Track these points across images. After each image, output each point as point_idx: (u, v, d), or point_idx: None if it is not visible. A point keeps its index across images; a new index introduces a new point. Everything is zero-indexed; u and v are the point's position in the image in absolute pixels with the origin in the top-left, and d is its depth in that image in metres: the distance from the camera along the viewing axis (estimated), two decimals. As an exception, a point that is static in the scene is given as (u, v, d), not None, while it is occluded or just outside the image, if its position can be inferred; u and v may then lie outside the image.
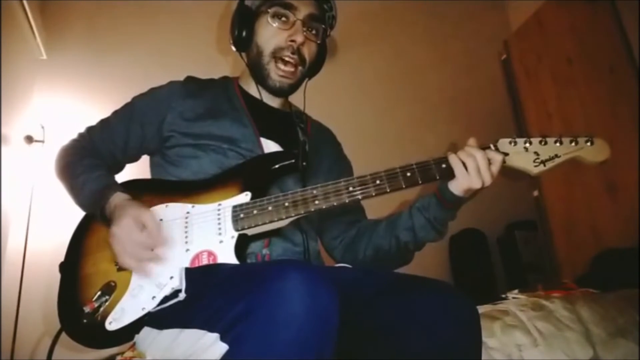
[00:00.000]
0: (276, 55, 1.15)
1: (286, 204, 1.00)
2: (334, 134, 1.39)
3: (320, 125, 1.37)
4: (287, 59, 1.15)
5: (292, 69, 1.16)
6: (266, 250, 1.05)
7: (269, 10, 1.15)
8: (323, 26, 1.21)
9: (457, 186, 1.01)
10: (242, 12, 1.19)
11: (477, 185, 0.99)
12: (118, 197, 1.01)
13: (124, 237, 0.93)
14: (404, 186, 1.00)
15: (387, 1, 3.25)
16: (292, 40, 1.14)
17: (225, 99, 1.20)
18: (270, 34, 1.16)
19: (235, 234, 0.99)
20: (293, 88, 1.21)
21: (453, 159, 1.00)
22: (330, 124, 1.40)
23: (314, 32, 1.19)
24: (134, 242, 0.93)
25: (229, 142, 1.11)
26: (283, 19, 1.15)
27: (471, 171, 0.99)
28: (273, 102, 1.24)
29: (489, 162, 0.99)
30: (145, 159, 1.24)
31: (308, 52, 1.18)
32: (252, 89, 1.23)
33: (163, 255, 0.96)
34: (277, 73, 1.15)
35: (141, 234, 0.94)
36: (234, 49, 1.23)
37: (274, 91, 1.19)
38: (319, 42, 1.21)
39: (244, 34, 1.18)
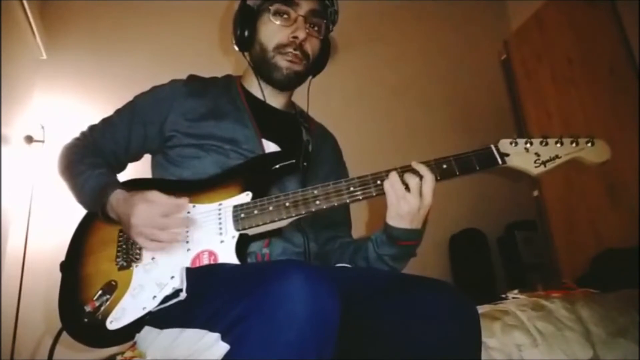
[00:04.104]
0: (280, 52, 1.15)
1: (287, 204, 1.00)
2: (336, 138, 1.39)
3: (324, 130, 1.37)
4: (289, 54, 1.15)
5: (298, 58, 1.16)
6: (266, 250, 1.05)
7: (270, 7, 1.15)
8: (325, 21, 1.20)
9: (389, 216, 1.01)
10: (245, 11, 1.19)
11: (403, 209, 0.97)
12: (118, 194, 1.01)
13: (145, 220, 0.94)
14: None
15: (387, 2, 3.25)
16: (295, 37, 1.14)
17: (227, 99, 1.20)
18: (272, 31, 1.16)
19: (236, 234, 0.99)
20: (300, 78, 1.20)
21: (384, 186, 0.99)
22: (330, 125, 1.40)
23: (315, 28, 1.19)
24: (156, 216, 0.95)
25: (230, 143, 1.11)
26: (285, 15, 1.15)
27: (391, 197, 0.98)
28: (276, 102, 1.24)
29: (420, 180, 0.97)
30: (146, 159, 1.24)
31: (311, 47, 1.18)
32: (255, 88, 1.23)
33: (192, 215, 0.98)
34: (285, 59, 1.15)
35: (159, 206, 0.95)
36: (236, 48, 1.23)
37: (281, 83, 1.18)
38: (321, 37, 1.21)
39: (246, 33, 1.18)
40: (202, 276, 0.91)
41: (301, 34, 1.14)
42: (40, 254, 2.02)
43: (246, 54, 1.24)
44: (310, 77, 1.25)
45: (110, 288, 0.96)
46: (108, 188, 1.03)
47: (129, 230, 0.97)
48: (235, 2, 1.24)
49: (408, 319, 0.86)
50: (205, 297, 0.84)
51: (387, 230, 1.02)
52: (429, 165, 1.00)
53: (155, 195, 0.97)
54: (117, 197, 1.01)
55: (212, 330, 0.76)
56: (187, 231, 1.00)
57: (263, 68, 1.18)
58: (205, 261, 0.96)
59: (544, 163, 1.00)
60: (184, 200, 0.98)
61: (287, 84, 1.19)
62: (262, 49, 1.17)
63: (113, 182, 1.08)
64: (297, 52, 1.15)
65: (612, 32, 2.52)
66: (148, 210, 0.95)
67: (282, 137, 1.17)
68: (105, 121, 1.21)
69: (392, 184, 0.98)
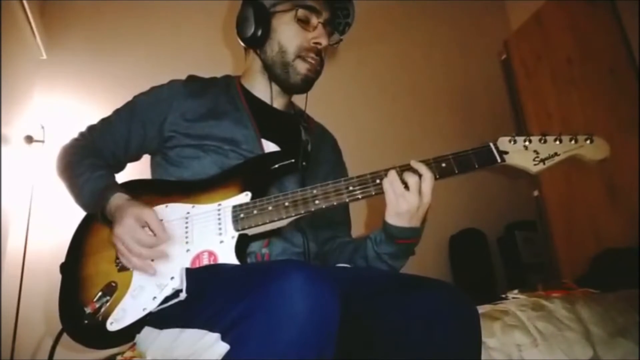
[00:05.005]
0: (301, 56, 1.16)
1: (286, 204, 1.00)
2: (336, 139, 1.39)
3: (323, 129, 1.38)
4: (310, 59, 1.16)
5: (316, 65, 1.17)
6: (266, 250, 1.05)
7: (296, 10, 1.15)
8: (333, 32, 1.22)
9: (387, 214, 1.01)
10: (257, 9, 1.18)
11: (402, 207, 0.97)
12: (118, 198, 1.01)
13: (126, 237, 0.94)
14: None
15: (387, 2, 3.25)
16: (317, 42, 1.15)
17: (227, 99, 1.20)
18: (293, 34, 1.16)
19: (236, 234, 0.99)
20: (312, 84, 1.21)
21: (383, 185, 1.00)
22: (330, 125, 1.40)
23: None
24: (137, 241, 0.94)
25: (230, 143, 1.11)
26: (305, 20, 1.16)
27: (390, 196, 0.98)
28: (277, 103, 1.24)
29: (419, 178, 0.98)
30: (146, 159, 1.24)
31: (324, 53, 1.20)
32: (255, 88, 1.23)
33: (168, 252, 0.97)
34: (304, 67, 1.16)
35: (144, 232, 0.95)
36: (243, 45, 1.23)
37: (297, 87, 1.18)
38: (334, 45, 1.22)
39: (260, 31, 1.17)
40: (202, 276, 0.91)
41: (324, 41, 1.16)
42: (40, 254, 2.02)
43: (258, 51, 1.22)
44: None
45: (110, 289, 0.96)
46: (107, 191, 1.03)
47: (112, 237, 0.97)
48: (236, 2, 1.23)
49: (408, 319, 0.86)
50: (205, 297, 0.84)
51: (386, 228, 1.03)
52: (428, 163, 1.00)
53: (149, 217, 0.96)
54: (116, 202, 1.00)
55: (212, 330, 0.76)
56: (187, 232, 1.00)
57: (277, 69, 1.18)
58: (205, 261, 0.96)
59: (542, 161, 1.00)
60: (166, 238, 0.97)
61: (301, 88, 1.20)
62: (281, 50, 1.16)
63: (112, 185, 1.08)
64: (318, 58, 1.16)
65: (612, 32, 2.52)
66: (133, 229, 0.94)
67: (282, 137, 1.17)
68: (104, 121, 1.21)
69: (391, 183, 0.98)
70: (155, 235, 0.96)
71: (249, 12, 1.18)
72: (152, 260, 0.96)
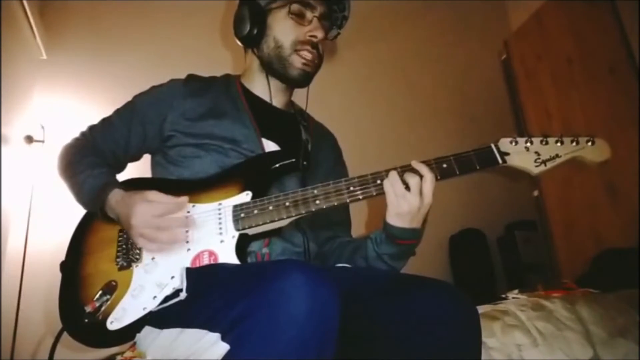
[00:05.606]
0: (297, 49, 1.16)
1: (287, 204, 1.00)
2: (336, 138, 1.39)
3: (323, 129, 1.38)
4: (306, 53, 1.16)
5: (312, 59, 1.17)
6: (266, 249, 1.05)
7: (289, 5, 1.16)
8: (330, 26, 1.22)
9: (388, 215, 1.01)
10: (253, 8, 1.18)
11: (403, 208, 0.97)
12: (117, 194, 1.01)
13: (146, 220, 0.94)
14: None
15: (387, 2, 3.25)
16: (313, 36, 1.16)
17: (227, 98, 1.20)
18: (289, 28, 1.16)
19: (236, 234, 0.99)
20: (311, 78, 1.21)
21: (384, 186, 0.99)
22: (329, 124, 1.40)
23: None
24: (156, 216, 0.95)
25: (230, 143, 1.11)
26: (301, 15, 1.16)
27: (391, 197, 0.98)
28: (276, 101, 1.24)
29: (420, 179, 0.97)
30: (146, 159, 1.24)
31: (322, 48, 1.20)
32: (255, 87, 1.23)
33: (192, 215, 0.98)
34: (300, 62, 1.16)
35: (159, 206, 0.96)
36: (240, 44, 1.23)
37: (296, 80, 1.18)
38: (330, 39, 1.22)
39: (255, 30, 1.17)
40: (202, 276, 0.91)
41: (319, 34, 1.16)
42: (40, 254, 2.02)
43: (255, 50, 1.22)
44: None
45: (111, 288, 0.96)
46: (107, 187, 1.03)
47: (129, 231, 0.97)
48: (235, 2, 1.23)
49: (408, 319, 0.86)
50: (205, 297, 0.84)
51: (386, 229, 1.03)
52: (429, 164, 1.00)
53: (154, 195, 0.97)
54: (116, 197, 1.01)
55: (212, 330, 0.76)
56: (187, 231, 1.00)
57: (275, 64, 1.18)
58: (205, 261, 0.96)
59: (544, 162, 1.00)
60: (183, 199, 0.98)
61: (300, 82, 1.19)
62: (277, 45, 1.17)
63: (112, 182, 1.08)
64: (315, 52, 1.16)
65: (612, 32, 2.52)
66: (148, 211, 0.95)
67: (282, 137, 1.17)
68: (104, 121, 1.21)
69: (392, 183, 0.98)
70: (169, 205, 0.97)
71: (245, 11, 1.18)
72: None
